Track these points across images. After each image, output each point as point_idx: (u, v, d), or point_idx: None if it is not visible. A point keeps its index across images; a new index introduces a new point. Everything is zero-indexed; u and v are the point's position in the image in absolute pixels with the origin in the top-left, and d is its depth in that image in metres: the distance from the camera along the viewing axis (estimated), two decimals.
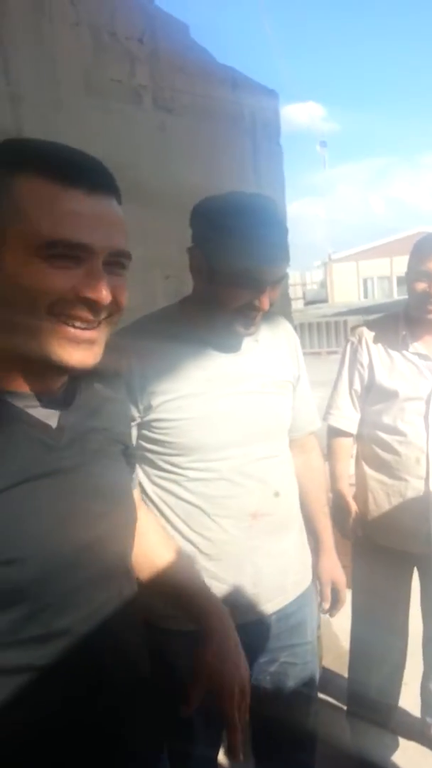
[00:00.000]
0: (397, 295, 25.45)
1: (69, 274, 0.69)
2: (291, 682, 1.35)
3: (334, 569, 1.48)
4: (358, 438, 1.89)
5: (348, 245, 31.91)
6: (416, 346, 1.75)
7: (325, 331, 15.34)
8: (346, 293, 28.49)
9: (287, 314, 2.85)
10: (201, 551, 1.21)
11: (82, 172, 0.71)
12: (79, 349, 0.72)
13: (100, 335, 0.75)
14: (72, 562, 0.75)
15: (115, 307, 0.75)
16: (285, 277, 1.20)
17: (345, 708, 2.02)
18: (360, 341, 1.83)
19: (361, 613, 1.88)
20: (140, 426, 1.20)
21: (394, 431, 1.74)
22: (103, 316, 0.73)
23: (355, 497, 1.89)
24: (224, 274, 1.13)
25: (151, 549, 1.03)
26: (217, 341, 1.22)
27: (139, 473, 1.24)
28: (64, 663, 0.74)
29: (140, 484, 1.24)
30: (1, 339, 0.72)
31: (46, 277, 0.68)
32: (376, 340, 1.81)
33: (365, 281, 30.02)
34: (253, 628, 1.27)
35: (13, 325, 0.70)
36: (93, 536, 0.79)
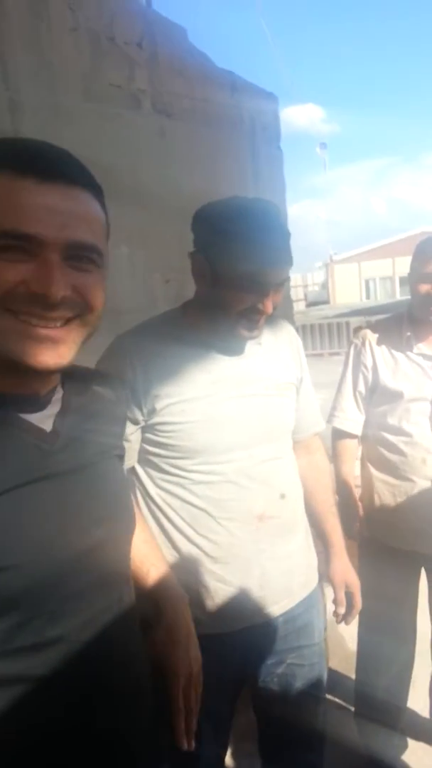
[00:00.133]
0: (400, 295, 25.45)
1: (19, 268, 0.66)
2: (298, 684, 1.35)
3: (347, 571, 1.45)
4: (363, 439, 1.88)
5: (349, 246, 31.97)
6: (420, 347, 1.75)
7: (327, 333, 15.33)
8: (347, 294, 28.48)
9: (289, 316, 2.86)
10: (207, 554, 1.21)
11: (32, 161, 0.67)
12: (40, 348, 0.68)
13: (66, 335, 0.70)
14: (68, 569, 0.73)
15: (84, 305, 0.71)
16: (288, 279, 1.20)
17: (352, 709, 2.01)
18: (363, 343, 1.83)
19: (369, 613, 1.88)
20: (144, 429, 1.20)
21: (400, 432, 1.74)
22: (65, 313, 0.69)
23: (361, 498, 1.89)
24: (228, 278, 1.13)
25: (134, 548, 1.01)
26: (221, 344, 1.23)
27: (144, 477, 1.24)
28: (58, 673, 0.71)
29: (144, 488, 1.24)
30: None
31: None
32: (379, 342, 1.81)
33: (367, 282, 30.00)
34: (260, 631, 1.27)
35: None
36: (90, 542, 0.76)
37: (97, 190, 0.73)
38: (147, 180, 2.02)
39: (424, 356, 1.74)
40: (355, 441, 1.91)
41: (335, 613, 1.47)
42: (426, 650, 1.96)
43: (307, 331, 14.80)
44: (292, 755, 1.40)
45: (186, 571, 1.21)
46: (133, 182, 1.96)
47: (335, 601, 1.46)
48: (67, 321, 0.70)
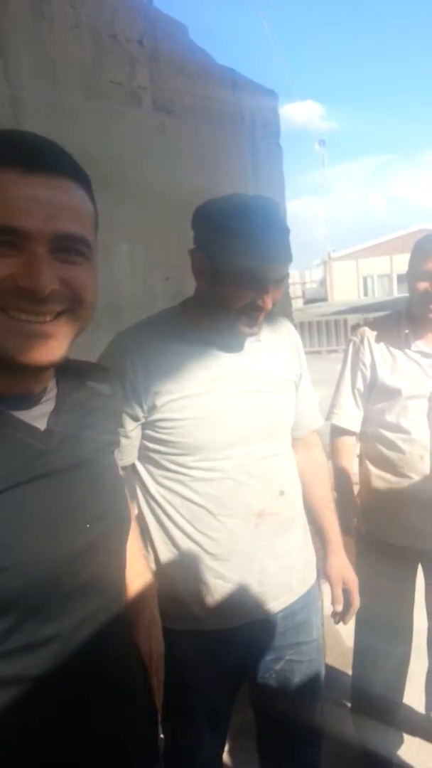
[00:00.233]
0: (398, 293, 25.44)
1: (6, 262, 0.64)
2: (297, 680, 1.36)
3: (344, 568, 1.45)
4: (362, 436, 1.89)
5: (348, 243, 31.97)
6: (419, 345, 1.76)
7: (325, 330, 15.31)
8: (345, 291, 28.47)
9: (287, 313, 2.86)
10: (207, 551, 1.22)
11: (15, 152, 0.65)
12: (31, 344, 0.67)
13: (57, 330, 0.68)
14: (65, 569, 0.72)
15: (74, 298, 0.69)
16: (287, 275, 1.21)
17: (349, 705, 2.02)
18: (362, 340, 1.83)
19: (366, 610, 1.89)
20: (144, 426, 1.21)
21: (398, 429, 1.75)
22: (54, 307, 0.67)
23: (359, 495, 1.90)
24: (228, 275, 1.14)
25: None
26: (221, 341, 1.23)
27: (144, 474, 1.24)
28: (52, 672, 0.70)
29: (144, 485, 1.25)
30: None
31: None
32: (378, 339, 1.81)
33: (365, 279, 29.99)
34: (259, 627, 1.28)
35: None
36: (87, 540, 0.75)
37: (83, 180, 0.71)
38: (147, 177, 2.02)
39: (423, 354, 1.75)
40: (354, 438, 1.91)
41: (333, 613, 1.47)
42: (422, 646, 1.97)
43: (304, 328, 14.78)
44: (290, 751, 1.41)
45: (185, 568, 1.22)
46: (134, 179, 1.96)
47: (332, 599, 1.45)
48: (58, 315, 0.68)
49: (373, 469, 1.83)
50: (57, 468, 0.74)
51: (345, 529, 1.82)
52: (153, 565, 1.24)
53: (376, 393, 1.81)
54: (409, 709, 2.08)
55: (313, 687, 1.39)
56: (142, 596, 1.05)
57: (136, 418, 1.19)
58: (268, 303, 1.16)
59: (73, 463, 0.76)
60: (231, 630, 1.24)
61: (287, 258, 1.17)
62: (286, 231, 1.17)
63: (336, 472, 1.89)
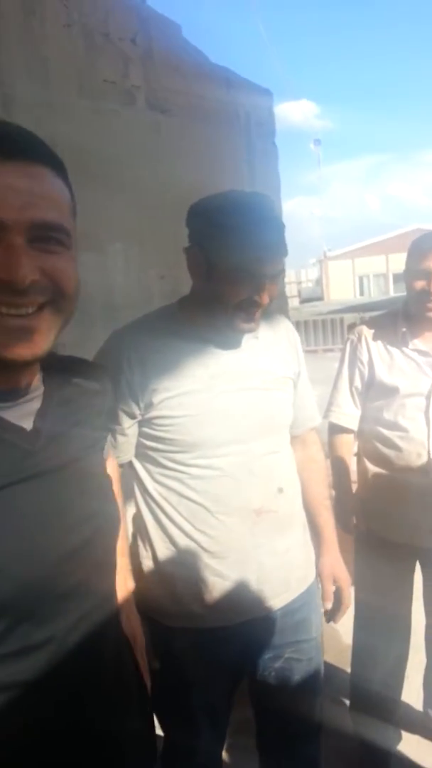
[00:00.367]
0: (393, 292, 25.50)
1: None
2: (296, 678, 1.36)
3: (336, 566, 1.45)
4: (359, 434, 1.89)
5: (343, 243, 32.02)
6: (416, 343, 1.76)
7: (322, 329, 15.32)
8: (341, 291, 28.50)
9: (284, 312, 2.86)
10: (205, 549, 1.21)
11: None
12: (14, 339, 0.65)
13: (39, 323, 0.66)
14: (56, 570, 0.71)
15: (55, 289, 0.67)
16: (283, 271, 1.21)
17: (347, 702, 2.03)
18: (360, 339, 1.84)
19: (364, 606, 1.89)
20: (141, 424, 1.21)
21: (395, 427, 1.75)
22: (36, 299, 0.66)
23: (357, 492, 1.90)
24: (223, 271, 1.14)
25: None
26: (218, 338, 1.23)
27: (141, 471, 1.24)
28: (47, 675, 0.69)
29: (142, 483, 1.24)
30: None
31: None
32: (375, 338, 1.82)
33: (361, 279, 30.03)
34: (259, 625, 1.28)
35: None
36: (78, 541, 0.74)
37: (59, 167, 0.69)
38: (142, 176, 2.02)
39: (420, 352, 1.75)
40: (352, 436, 1.92)
41: (325, 612, 1.46)
42: (420, 643, 1.98)
43: (300, 327, 14.78)
44: (289, 748, 1.41)
45: (184, 566, 1.21)
46: (129, 178, 1.96)
47: (323, 596, 1.44)
48: (40, 308, 0.66)
49: (371, 467, 1.83)
50: (45, 468, 0.72)
51: (343, 527, 1.83)
52: (151, 563, 1.24)
53: (373, 391, 1.82)
54: (406, 706, 2.08)
55: (312, 685, 1.39)
56: (123, 593, 1.04)
57: (132, 416, 1.19)
58: (265, 298, 1.16)
59: (61, 463, 0.75)
60: (230, 628, 1.23)
61: (282, 252, 1.17)
62: (280, 226, 1.17)
63: (334, 470, 1.89)
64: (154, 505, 1.23)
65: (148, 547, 1.25)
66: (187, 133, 2.26)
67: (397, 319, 1.81)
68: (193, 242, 1.20)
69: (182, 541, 1.21)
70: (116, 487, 1.12)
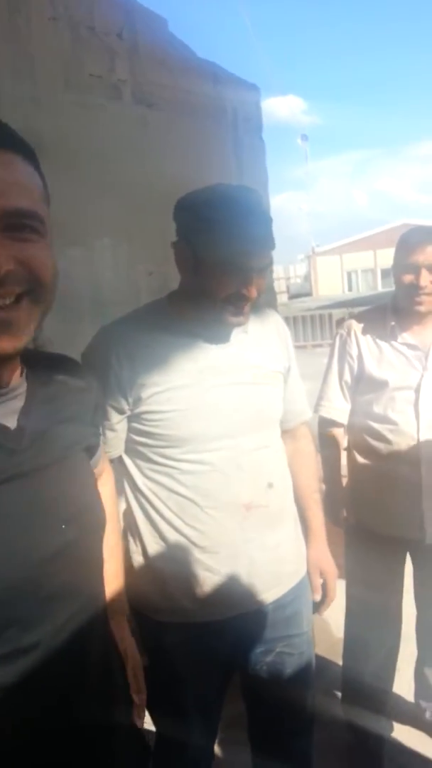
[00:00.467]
0: (382, 287, 25.60)
1: None
2: (287, 672, 1.36)
3: (322, 558, 1.45)
4: (349, 428, 1.90)
5: (331, 238, 32.09)
6: (405, 337, 1.77)
7: (310, 325, 15.37)
8: (330, 286, 28.59)
9: (273, 308, 2.86)
10: (195, 544, 1.21)
11: None
12: None
13: (18, 315, 0.65)
14: (40, 573, 0.70)
15: (32, 278, 0.65)
16: (271, 264, 1.21)
17: (339, 694, 2.04)
18: (349, 333, 1.84)
19: (355, 599, 1.90)
20: (131, 419, 1.20)
21: (385, 420, 1.76)
22: (13, 289, 0.64)
23: (347, 486, 1.91)
24: (210, 264, 1.14)
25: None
26: (207, 333, 1.23)
27: (131, 467, 1.24)
28: (34, 678, 0.68)
29: (132, 478, 1.24)
30: None
31: None
32: (364, 332, 1.82)
33: (349, 274, 30.14)
34: (250, 619, 1.28)
35: None
36: (62, 541, 0.73)
37: (29, 154, 0.68)
38: (129, 171, 2.01)
39: (408, 345, 1.76)
40: (342, 430, 1.92)
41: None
42: (410, 635, 1.99)
43: (289, 323, 14.79)
44: (281, 742, 1.42)
45: (174, 561, 1.21)
46: (116, 173, 1.95)
47: (310, 588, 1.44)
48: (18, 299, 0.65)
49: (361, 460, 1.84)
50: (30, 468, 0.71)
51: (334, 520, 1.84)
52: (141, 559, 1.24)
53: (363, 385, 1.82)
54: (398, 697, 2.10)
55: (303, 678, 1.40)
56: (115, 595, 1.04)
57: (121, 411, 1.19)
58: (253, 292, 1.15)
59: (44, 463, 0.74)
60: (221, 622, 1.23)
61: (269, 246, 1.17)
62: (267, 218, 1.17)
63: (324, 464, 1.90)
64: (143, 501, 1.23)
65: (138, 543, 1.24)
66: (174, 128, 2.25)
67: (386, 313, 1.82)
68: (180, 236, 1.19)
69: (172, 536, 1.21)
70: (111, 485, 1.12)
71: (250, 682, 1.38)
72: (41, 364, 0.80)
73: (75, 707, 0.74)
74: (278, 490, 1.31)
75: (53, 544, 0.72)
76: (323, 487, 1.77)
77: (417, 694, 2.07)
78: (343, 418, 1.88)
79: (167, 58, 2.26)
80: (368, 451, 1.82)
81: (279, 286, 27.80)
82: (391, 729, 2.01)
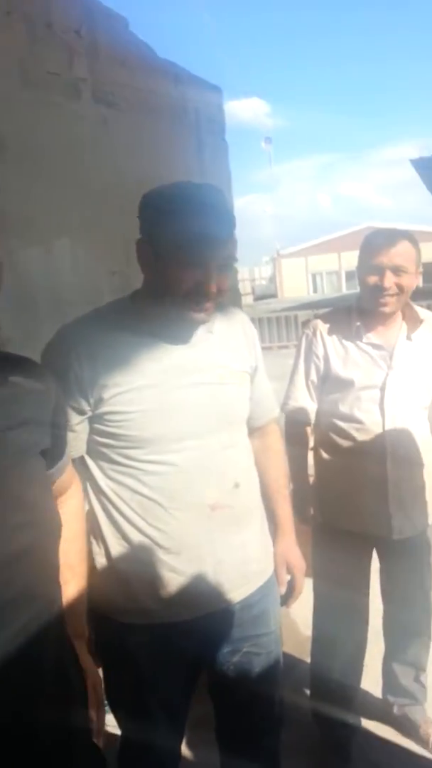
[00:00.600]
0: (346, 289, 26.00)
1: None
2: (255, 672, 1.36)
3: (289, 552, 1.45)
4: (316, 427, 1.92)
5: (296, 241, 32.32)
6: (369, 337, 1.80)
7: (276, 326, 15.49)
8: (295, 288, 28.85)
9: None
10: (159, 545, 1.20)
11: None
12: None
13: None
14: None
15: None
16: (233, 262, 1.20)
17: (307, 692, 2.05)
18: (315, 333, 1.86)
19: (323, 596, 1.92)
20: (92, 420, 1.18)
21: (351, 419, 1.78)
22: None
23: (314, 484, 1.92)
24: (170, 258, 1.12)
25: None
26: (170, 333, 1.21)
27: (93, 468, 1.22)
28: None
29: (94, 479, 1.22)
30: None
31: None
32: (330, 332, 1.84)
33: (314, 276, 30.49)
34: (216, 619, 1.27)
35: None
36: (14, 550, 0.72)
37: None
38: (89, 170, 1.98)
39: (373, 345, 1.79)
40: (308, 428, 1.94)
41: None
42: (378, 631, 2.01)
43: (255, 324, 14.70)
44: (249, 741, 1.41)
45: (138, 562, 1.20)
46: (75, 172, 1.92)
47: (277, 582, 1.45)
48: None
49: (328, 459, 1.86)
50: None
51: (301, 518, 1.85)
52: (104, 560, 1.22)
53: (329, 384, 1.84)
54: (365, 693, 2.12)
55: (271, 678, 1.40)
56: (76, 617, 1.02)
57: (81, 412, 1.16)
58: (213, 287, 1.14)
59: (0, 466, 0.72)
60: (188, 622, 1.22)
61: (228, 237, 1.16)
62: (228, 213, 1.16)
63: (291, 462, 1.91)
64: (106, 502, 1.21)
65: (101, 544, 1.22)
66: (135, 128, 2.23)
67: (351, 314, 1.84)
68: (142, 233, 1.18)
69: (136, 537, 1.20)
70: (79, 497, 1.10)
71: (218, 681, 1.37)
72: None
73: (32, 712, 0.73)
74: (244, 490, 1.30)
75: (6, 553, 0.70)
76: (290, 485, 1.77)
77: (385, 690, 2.09)
78: (309, 417, 1.90)
79: (128, 58, 2.24)
80: (335, 450, 1.83)
81: (244, 287, 27.91)
82: (359, 724, 2.03)
